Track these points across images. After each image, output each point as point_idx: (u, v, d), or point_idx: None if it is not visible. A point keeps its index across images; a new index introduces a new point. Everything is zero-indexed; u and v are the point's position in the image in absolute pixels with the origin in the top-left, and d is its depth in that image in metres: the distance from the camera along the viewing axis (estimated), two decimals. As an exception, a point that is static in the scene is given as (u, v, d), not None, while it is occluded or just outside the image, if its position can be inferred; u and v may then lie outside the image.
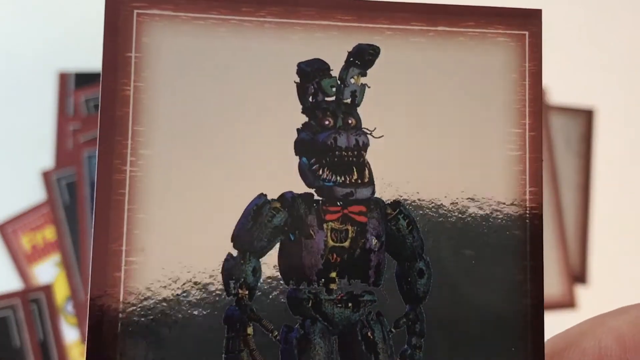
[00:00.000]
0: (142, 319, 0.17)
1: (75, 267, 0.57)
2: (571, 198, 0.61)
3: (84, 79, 0.62)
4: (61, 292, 0.57)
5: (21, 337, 0.51)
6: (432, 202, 0.19)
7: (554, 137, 0.60)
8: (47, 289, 0.49)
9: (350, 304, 0.19)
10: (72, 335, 0.56)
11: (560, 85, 0.61)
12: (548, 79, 0.59)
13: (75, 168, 0.58)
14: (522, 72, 0.20)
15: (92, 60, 0.63)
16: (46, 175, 0.59)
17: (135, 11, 0.18)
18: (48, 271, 0.58)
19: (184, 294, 0.17)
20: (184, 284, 0.18)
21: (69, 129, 0.60)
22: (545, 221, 0.22)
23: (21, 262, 0.58)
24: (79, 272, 0.57)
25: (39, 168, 0.59)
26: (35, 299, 0.53)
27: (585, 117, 0.61)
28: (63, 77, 0.62)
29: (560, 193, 0.60)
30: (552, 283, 0.57)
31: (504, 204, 0.19)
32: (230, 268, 0.18)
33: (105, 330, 0.17)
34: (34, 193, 0.59)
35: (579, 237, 0.60)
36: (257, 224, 0.18)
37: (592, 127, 0.61)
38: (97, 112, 0.55)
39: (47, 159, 0.60)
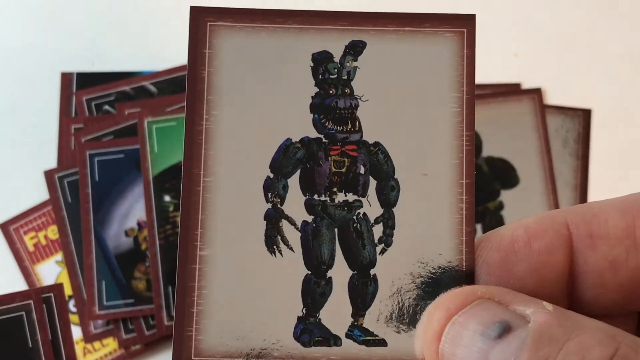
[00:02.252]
0: None
1: (77, 266, 0.65)
2: (568, 198, 0.70)
3: (85, 80, 0.72)
4: (63, 291, 0.66)
5: (33, 338, 0.59)
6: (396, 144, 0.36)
7: (551, 137, 0.69)
8: (58, 288, 0.58)
9: (345, 208, 0.35)
10: (74, 334, 0.65)
11: (558, 86, 0.69)
12: (546, 80, 0.69)
13: (78, 167, 0.66)
14: (461, 56, 0.36)
15: (93, 60, 0.74)
16: (49, 175, 0.67)
17: (208, 23, 0.35)
18: (51, 270, 0.66)
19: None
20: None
21: (71, 129, 0.69)
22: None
23: (24, 261, 0.66)
24: (81, 271, 0.65)
25: (42, 168, 0.68)
26: (45, 298, 0.62)
27: (583, 117, 0.69)
28: (65, 78, 0.72)
29: (558, 193, 0.69)
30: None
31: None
32: (268, 185, 0.34)
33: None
34: (37, 192, 0.68)
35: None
36: (286, 157, 0.35)
37: (589, 128, 0.69)
38: (98, 112, 0.65)
39: (49, 159, 0.69)
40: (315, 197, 0.36)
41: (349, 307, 0.36)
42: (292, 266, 0.36)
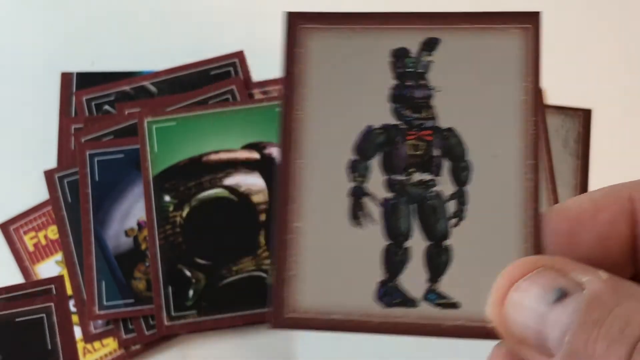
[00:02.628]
0: None
1: (77, 266, 0.65)
2: (568, 198, 0.70)
3: (85, 80, 0.72)
4: (63, 291, 0.66)
5: (53, 340, 0.58)
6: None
7: (551, 137, 0.69)
8: (58, 281, 0.57)
9: (422, 186, 0.40)
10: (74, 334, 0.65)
11: (558, 86, 0.69)
12: (546, 80, 0.70)
13: (78, 167, 0.67)
14: (527, 49, 0.41)
15: (93, 60, 0.74)
16: (48, 175, 0.68)
17: (300, 26, 0.42)
18: (51, 270, 0.66)
19: None
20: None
21: (71, 128, 0.70)
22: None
23: (24, 261, 0.66)
24: (81, 271, 0.65)
25: (42, 167, 0.68)
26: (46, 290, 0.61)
27: (583, 117, 0.69)
28: (65, 78, 0.73)
29: (558, 193, 0.70)
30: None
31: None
32: (353, 166, 0.40)
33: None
34: (37, 192, 0.68)
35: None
36: (368, 142, 0.40)
37: (589, 128, 0.69)
38: (98, 112, 0.66)
39: (49, 159, 0.70)
40: (395, 176, 0.41)
41: (425, 274, 0.41)
42: (373, 237, 0.42)
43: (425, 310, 0.41)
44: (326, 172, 0.42)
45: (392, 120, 0.42)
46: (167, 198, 0.66)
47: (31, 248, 0.67)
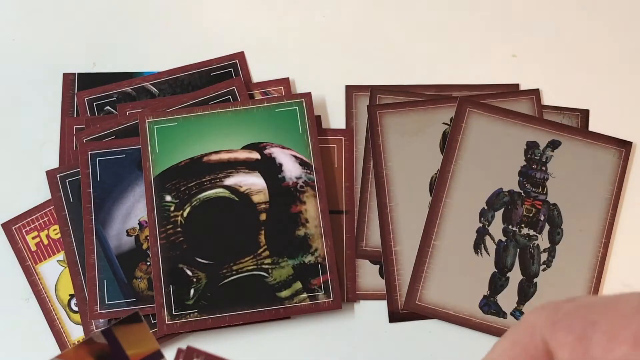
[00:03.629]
0: None
1: (79, 265, 0.65)
2: None
3: (87, 80, 0.73)
4: (65, 290, 0.66)
5: None
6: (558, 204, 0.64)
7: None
8: None
9: (527, 238, 0.60)
10: (76, 333, 0.66)
11: (556, 86, 0.70)
12: (544, 80, 0.70)
13: (80, 167, 0.67)
14: (617, 165, 0.63)
15: (95, 62, 0.75)
16: (50, 175, 0.68)
17: (468, 109, 0.65)
18: (53, 269, 0.67)
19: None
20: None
21: (73, 129, 0.70)
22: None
23: (26, 260, 0.67)
24: (83, 270, 0.65)
25: (44, 167, 0.69)
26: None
27: (581, 117, 0.68)
28: (67, 78, 0.73)
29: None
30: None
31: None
32: (483, 212, 0.60)
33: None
34: (39, 192, 0.69)
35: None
36: (497, 199, 0.61)
37: (587, 127, 0.68)
38: (100, 112, 0.66)
39: (51, 159, 0.70)
40: (510, 227, 0.60)
41: (516, 297, 0.60)
42: (486, 265, 0.61)
43: (511, 322, 0.59)
44: (464, 212, 0.61)
45: (516, 188, 0.61)
46: (168, 198, 0.66)
47: (33, 247, 0.68)
